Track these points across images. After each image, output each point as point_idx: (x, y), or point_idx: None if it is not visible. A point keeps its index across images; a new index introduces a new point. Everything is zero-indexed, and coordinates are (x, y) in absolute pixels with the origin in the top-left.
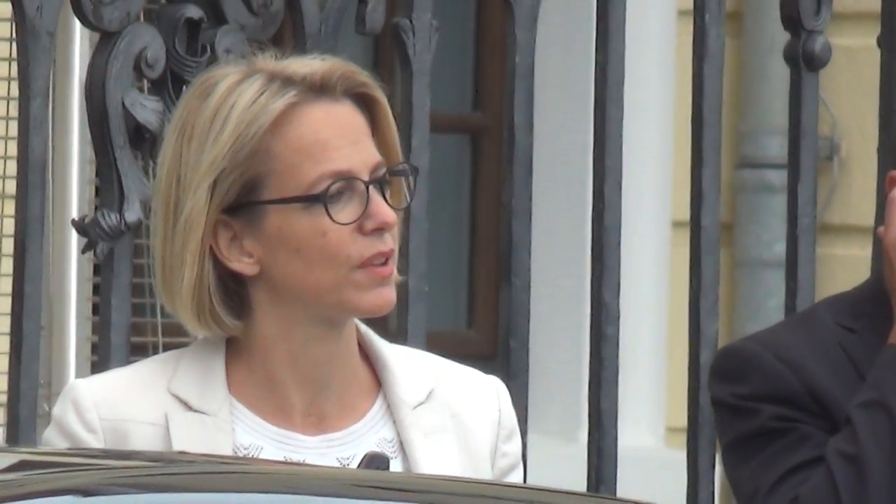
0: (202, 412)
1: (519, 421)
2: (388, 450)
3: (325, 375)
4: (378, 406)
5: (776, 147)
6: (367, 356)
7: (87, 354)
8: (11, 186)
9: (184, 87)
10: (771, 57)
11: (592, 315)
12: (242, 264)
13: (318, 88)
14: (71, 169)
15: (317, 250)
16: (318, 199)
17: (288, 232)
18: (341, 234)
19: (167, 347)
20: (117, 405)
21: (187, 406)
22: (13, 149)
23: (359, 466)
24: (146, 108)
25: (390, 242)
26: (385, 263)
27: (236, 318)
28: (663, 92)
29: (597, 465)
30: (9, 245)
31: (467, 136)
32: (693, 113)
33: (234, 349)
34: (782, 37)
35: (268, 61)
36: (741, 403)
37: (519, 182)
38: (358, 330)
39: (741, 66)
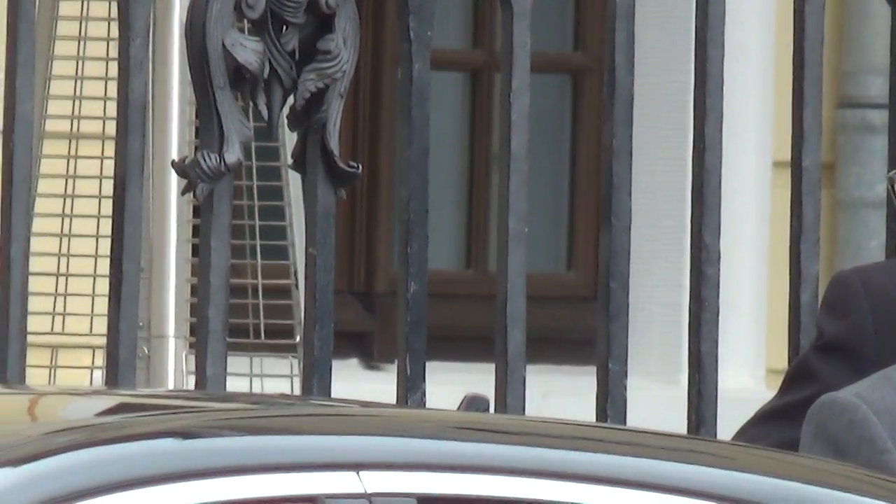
0: None
1: (619, 363)
2: None
3: None
4: None
5: (878, 86)
6: None
7: (186, 296)
8: (112, 127)
9: (283, 28)
10: None
11: (692, 256)
12: None
13: None
14: (171, 110)
15: None
16: None
17: None
18: None
19: (266, 290)
20: None
21: None
22: (113, 90)
23: (458, 409)
24: (246, 49)
25: None
26: None
27: None
28: (764, 31)
29: (697, 407)
30: (109, 187)
31: (568, 77)
32: (794, 52)
33: None
34: None
35: None
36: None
37: (619, 122)
38: None
39: (843, 4)
